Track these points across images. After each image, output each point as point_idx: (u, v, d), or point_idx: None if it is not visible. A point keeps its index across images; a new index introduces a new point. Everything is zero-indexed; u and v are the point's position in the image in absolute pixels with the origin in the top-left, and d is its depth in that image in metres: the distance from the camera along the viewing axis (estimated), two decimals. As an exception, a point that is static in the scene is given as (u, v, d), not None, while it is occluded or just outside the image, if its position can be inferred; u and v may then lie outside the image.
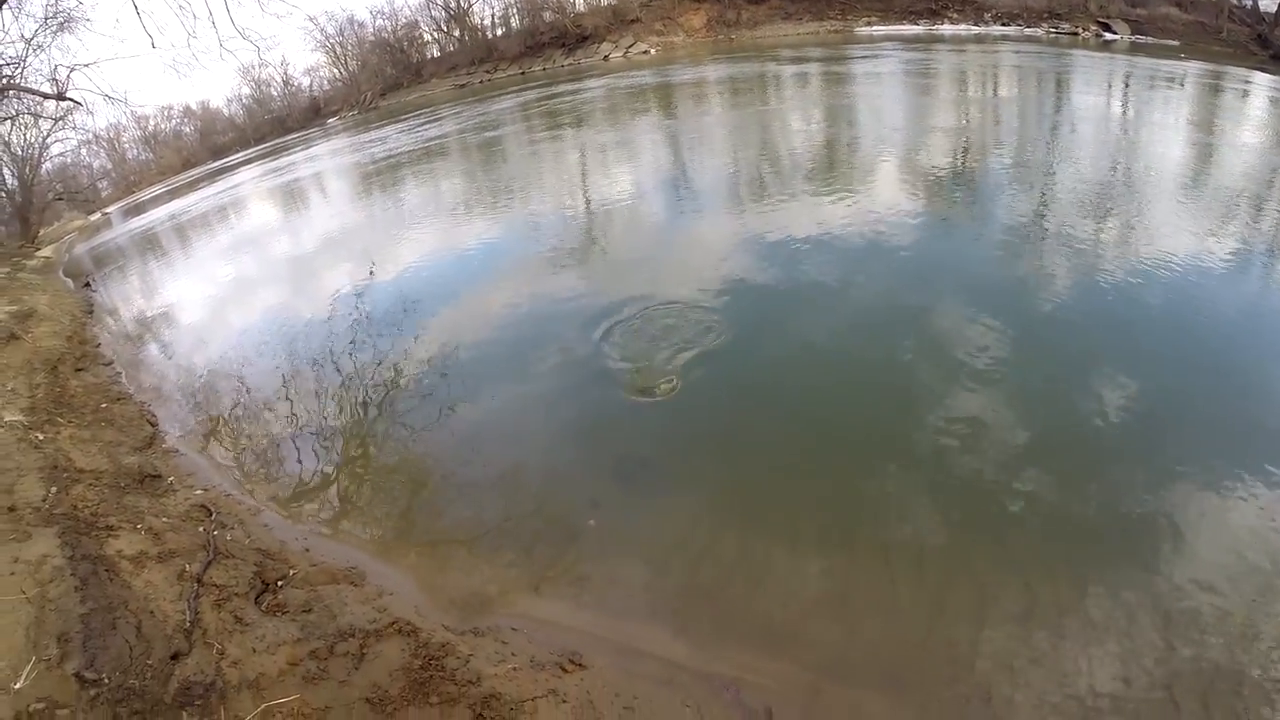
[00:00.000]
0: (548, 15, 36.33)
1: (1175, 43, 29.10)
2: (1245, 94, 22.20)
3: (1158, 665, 3.32)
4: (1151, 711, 3.14)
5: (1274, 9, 33.63)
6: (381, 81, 41.51)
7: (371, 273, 9.72)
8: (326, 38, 44.74)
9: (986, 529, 4.10)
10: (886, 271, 7.35)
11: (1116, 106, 18.65)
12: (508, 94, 27.40)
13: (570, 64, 32.06)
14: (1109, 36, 28.14)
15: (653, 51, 29.51)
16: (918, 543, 3.99)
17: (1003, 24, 26.79)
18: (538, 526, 4.47)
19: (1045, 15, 27.95)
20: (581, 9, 35.77)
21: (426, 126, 24.12)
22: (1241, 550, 3.89)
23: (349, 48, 45.09)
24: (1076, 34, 27.29)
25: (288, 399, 6.68)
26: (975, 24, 26.55)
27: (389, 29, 43.82)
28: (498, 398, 6.02)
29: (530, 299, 7.74)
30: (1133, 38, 28.53)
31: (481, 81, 34.76)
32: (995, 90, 19.83)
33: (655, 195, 11.53)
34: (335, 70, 46.05)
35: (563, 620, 3.77)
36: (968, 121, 15.67)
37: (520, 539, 4.39)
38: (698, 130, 16.57)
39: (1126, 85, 21.26)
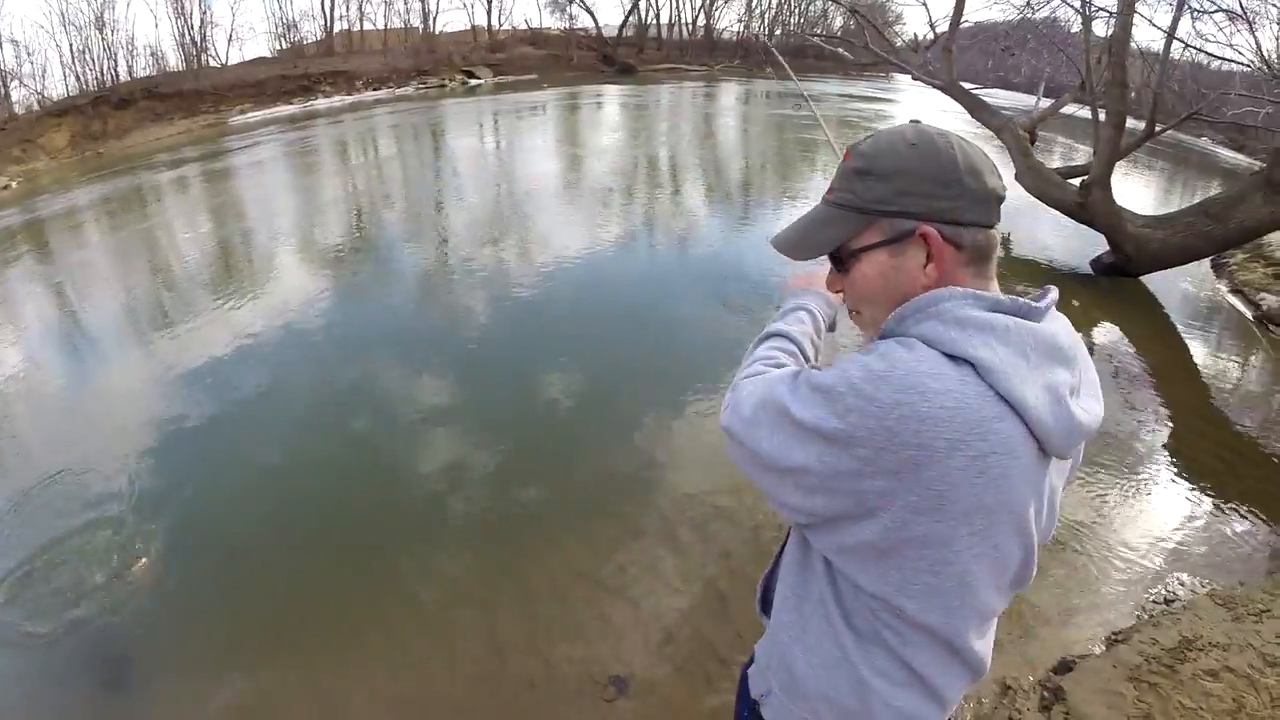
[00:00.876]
0: None
1: (535, 76, 34.38)
2: (599, 105, 27.31)
3: (691, 569, 3.77)
4: (705, 607, 3.54)
5: (614, 34, 41.82)
6: None
7: None
8: None
9: (503, 547, 4.20)
10: (311, 359, 7.11)
11: (490, 140, 21.24)
12: None
13: (-87, 222, 25.40)
14: (474, 82, 32.17)
15: (14, 185, 24.79)
16: (445, 595, 3.95)
17: (374, 89, 28.79)
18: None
19: (413, 74, 30.86)
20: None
21: None
22: (702, 457, 4.67)
23: None
24: (444, 85, 30.71)
25: None
26: (349, 94, 28.01)
27: None
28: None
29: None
30: (496, 79, 33.00)
31: None
32: (376, 152, 20.95)
33: (38, 356, 9.36)
34: None
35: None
36: (355, 188, 16.05)
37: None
38: (75, 268, 14.39)
39: (496, 121, 24.39)
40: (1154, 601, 3.42)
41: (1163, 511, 4.18)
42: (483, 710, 3.28)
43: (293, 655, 3.81)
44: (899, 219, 1.00)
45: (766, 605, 1.37)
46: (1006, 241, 8.63)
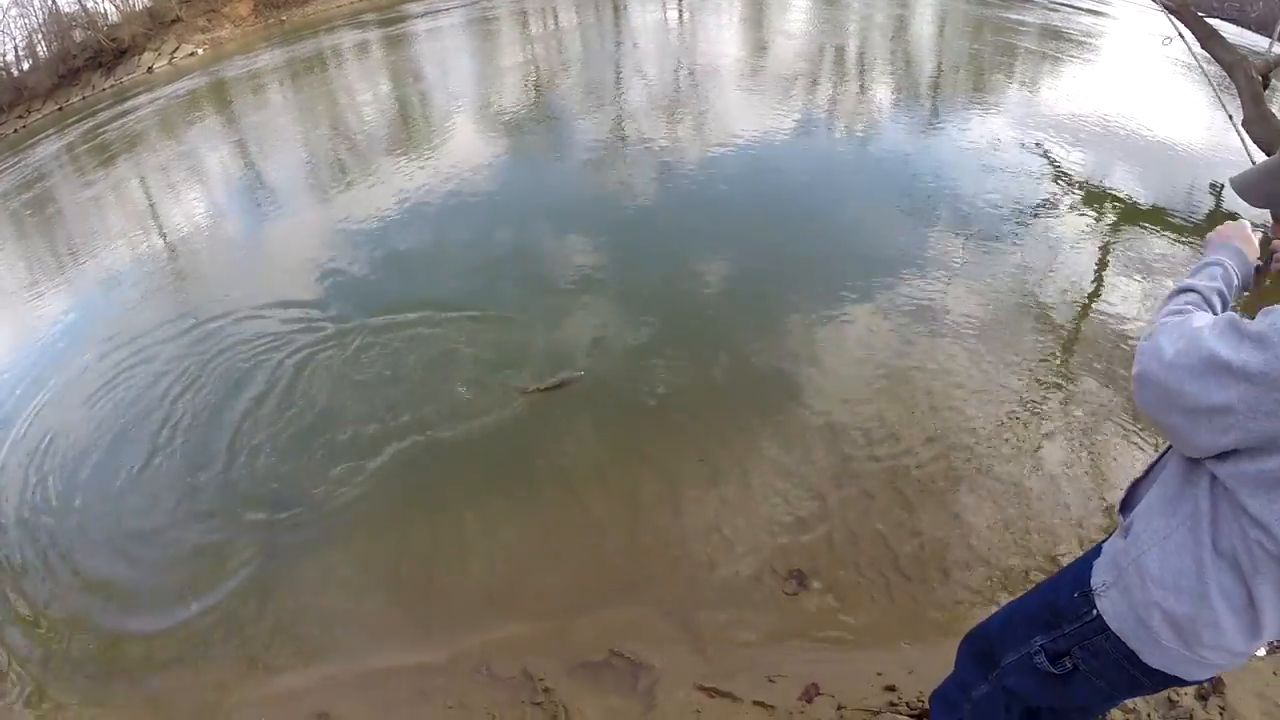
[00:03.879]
0: (78, 34, 29.95)
1: (716, -51, 31.20)
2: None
3: (842, 471, 3.78)
4: (853, 509, 3.55)
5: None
6: (-102, 157, 32.10)
7: None
8: None
9: (648, 427, 4.33)
10: (473, 218, 7.40)
11: (673, 16, 19.52)
12: (48, 137, 22.24)
13: (113, 85, 26.63)
14: (656, -48, 29.54)
15: (200, 51, 25.55)
16: (592, 465, 4.14)
17: (554, -44, 26.89)
18: (221, 609, 3.88)
19: (594, -59, 28.62)
20: (115, 19, 30.16)
21: (-40, 201, 19.06)
22: (863, 357, 4.60)
23: None
24: (626, -46, 28.35)
25: None
26: (528, -40, 26.32)
27: (-106, 92, 33.91)
28: (108, 497, 4.86)
29: (123, 365, 6.36)
30: (678, -50, 30.19)
31: (15, 130, 27.89)
32: (555, 23, 19.77)
33: (244, 203, 10.38)
34: None
35: (296, 687, 3.40)
36: (534, 56, 15.56)
37: (216, 629, 3.80)
38: (256, 127, 14.67)
39: (680, -4, 22.41)
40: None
41: None
42: (650, 583, 3.37)
43: (448, 509, 4.04)
44: None
45: (1127, 507, 1.39)
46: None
